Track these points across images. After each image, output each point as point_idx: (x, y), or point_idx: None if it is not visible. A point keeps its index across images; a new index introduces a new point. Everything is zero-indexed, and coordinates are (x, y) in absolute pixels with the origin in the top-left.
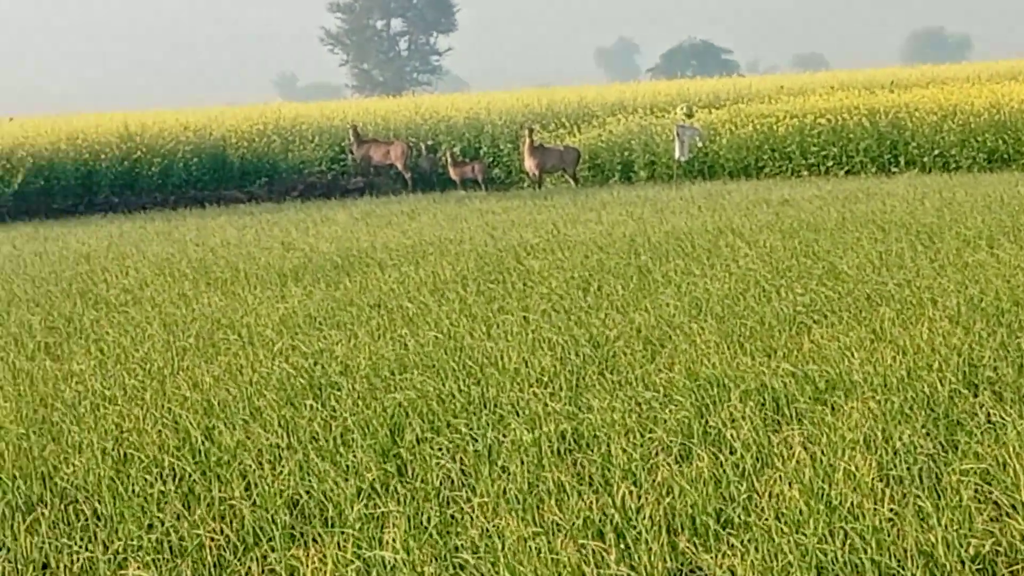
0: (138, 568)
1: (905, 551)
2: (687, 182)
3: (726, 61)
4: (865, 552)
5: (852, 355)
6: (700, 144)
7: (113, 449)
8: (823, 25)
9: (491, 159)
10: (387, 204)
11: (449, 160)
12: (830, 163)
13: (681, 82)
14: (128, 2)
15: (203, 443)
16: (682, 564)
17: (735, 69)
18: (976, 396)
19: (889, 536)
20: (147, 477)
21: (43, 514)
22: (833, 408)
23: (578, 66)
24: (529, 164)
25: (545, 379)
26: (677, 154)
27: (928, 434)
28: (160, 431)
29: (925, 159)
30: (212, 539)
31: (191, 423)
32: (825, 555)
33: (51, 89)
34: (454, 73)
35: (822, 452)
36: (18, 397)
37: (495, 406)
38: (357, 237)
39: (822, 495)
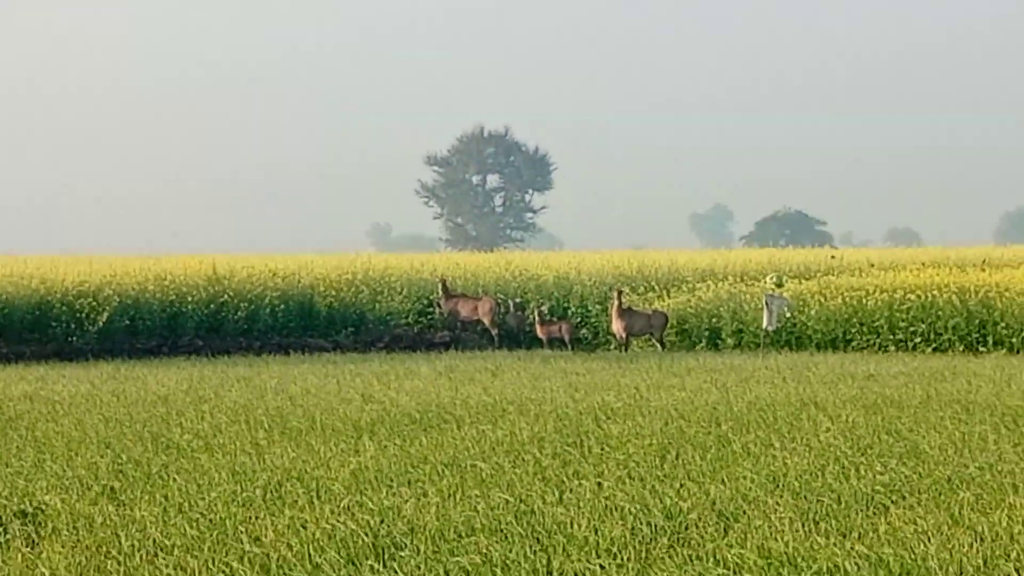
0: None
1: None
2: (774, 352)
3: (820, 232)
4: None
5: (929, 540)
6: (788, 314)
7: None
8: (918, 201)
9: (579, 319)
10: (471, 360)
11: (537, 318)
12: (918, 339)
13: (772, 251)
14: (229, 148)
15: None
16: None
17: (828, 240)
18: None
19: None
20: None
21: None
22: None
23: (672, 230)
24: (617, 326)
25: (614, 549)
26: (765, 323)
27: None
28: None
29: (1014, 339)
30: None
31: None
32: None
33: (142, 230)
34: (548, 231)
35: None
36: (75, 543)
37: (561, 575)
38: (438, 392)
39: None
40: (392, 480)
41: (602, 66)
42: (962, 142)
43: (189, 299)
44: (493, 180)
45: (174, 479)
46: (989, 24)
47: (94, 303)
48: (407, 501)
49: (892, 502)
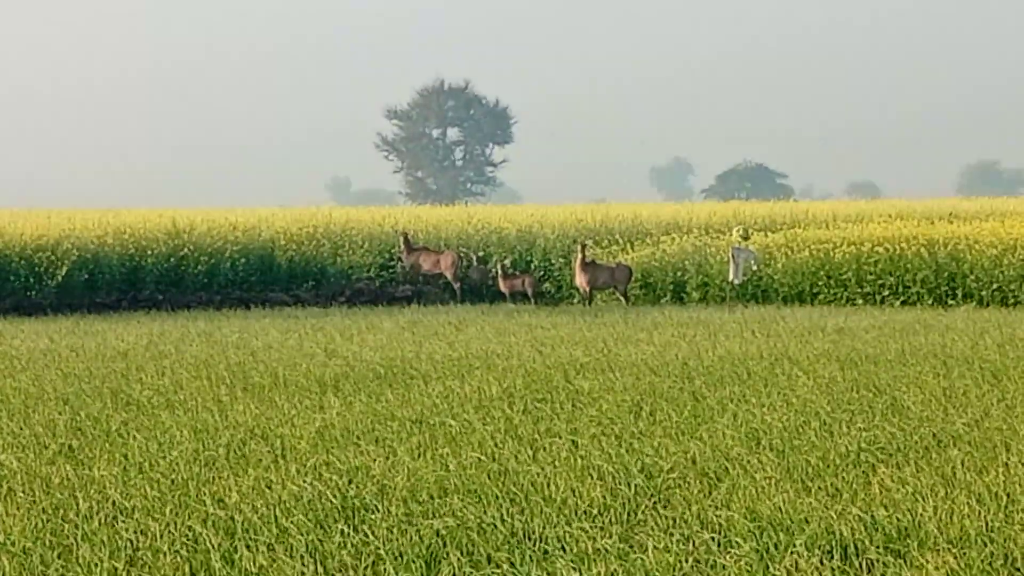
0: None
1: None
2: (740, 305)
3: (781, 185)
4: None
5: (924, 501)
6: (755, 267)
7: (124, 570)
8: (878, 155)
9: (542, 273)
10: (434, 314)
11: (499, 272)
12: (886, 292)
13: (736, 204)
14: (184, 101)
15: (222, 568)
16: None
17: (789, 193)
18: None
19: None
20: None
21: None
22: (907, 561)
23: (632, 184)
24: (580, 280)
25: (594, 512)
26: (731, 276)
27: None
28: (177, 552)
29: (983, 292)
30: None
31: (211, 544)
32: None
33: (100, 183)
34: (508, 185)
35: None
36: (31, 505)
37: (540, 540)
38: (402, 347)
39: None
40: (359, 438)
41: (563, 19)
42: (923, 95)
43: (149, 253)
44: (453, 134)
45: (134, 437)
46: None
47: (53, 257)
48: (375, 460)
49: (880, 461)
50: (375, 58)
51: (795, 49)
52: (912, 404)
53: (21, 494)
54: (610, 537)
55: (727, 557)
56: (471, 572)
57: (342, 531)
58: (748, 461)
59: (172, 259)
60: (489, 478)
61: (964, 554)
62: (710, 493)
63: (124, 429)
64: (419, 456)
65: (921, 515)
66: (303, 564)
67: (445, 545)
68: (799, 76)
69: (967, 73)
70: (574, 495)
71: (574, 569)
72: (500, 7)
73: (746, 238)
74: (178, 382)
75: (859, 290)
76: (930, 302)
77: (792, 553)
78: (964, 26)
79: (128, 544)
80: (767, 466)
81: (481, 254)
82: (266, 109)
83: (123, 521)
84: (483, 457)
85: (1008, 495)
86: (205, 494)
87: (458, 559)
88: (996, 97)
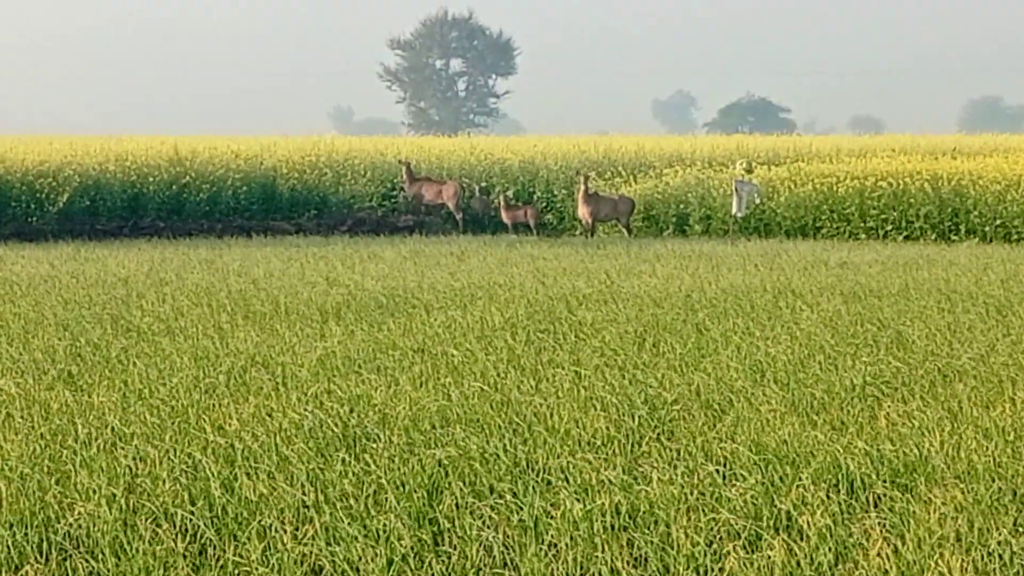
0: None
1: None
2: (743, 238)
3: (783, 120)
4: None
5: (930, 436)
6: (758, 201)
7: (122, 497)
8: (881, 90)
9: (544, 204)
10: (436, 244)
11: (502, 203)
12: (889, 227)
13: (740, 137)
14: (186, 31)
15: (222, 496)
16: None
17: (792, 128)
18: None
19: None
20: (156, 532)
21: (35, 570)
22: (914, 495)
23: (634, 117)
24: (583, 211)
25: (598, 443)
26: (734, 209)
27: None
28: (176, 479)
29: (987, 228)
30: None
31: (211, 472)
32: None
33: (104, 108)
34: (511, 116)
35: (908, 549)
36: (30, 431)
37: (543, 471)
38: (404, 277)
39: None
40: (360, 367)
41: None
42: (926, 31)
43: (150, 180)
44: (456, 64)
45: (134, 364)
46: None
47: (54, 183)
48: (377, 389)
49: (885, 395)
50: None
51: None
52: (917, 338)
53: (20, 419)
54: (614, 469)
55: (732, 490)
56: (473, 503)
57: (343, 460)
58: (752, 394)
59: (174, 186)
60: (491, 408)
61: (971, 489)
62: (714, 425)
63: (124, 355)
64: (421, 385)
65: (928, 450)
66: (304, 492)
67: (447, 475)
68: (802, 11)
69: (970, 9)
70: (577, 426)
71: (578, 500)
72: None
73: (749, 171)
74: (179, 309)
75: (862, 224)
76: (933, 237)
77: (798, 486)
78: None
79: (127, 471)
80: (772, 399)
81: (483, 185)
82: (269, 39)
83: (122, 447)
84: (485, 387)
85: (1015, 430)
86: (205, 421)
87: (460, 489)
88: (1000, 33)
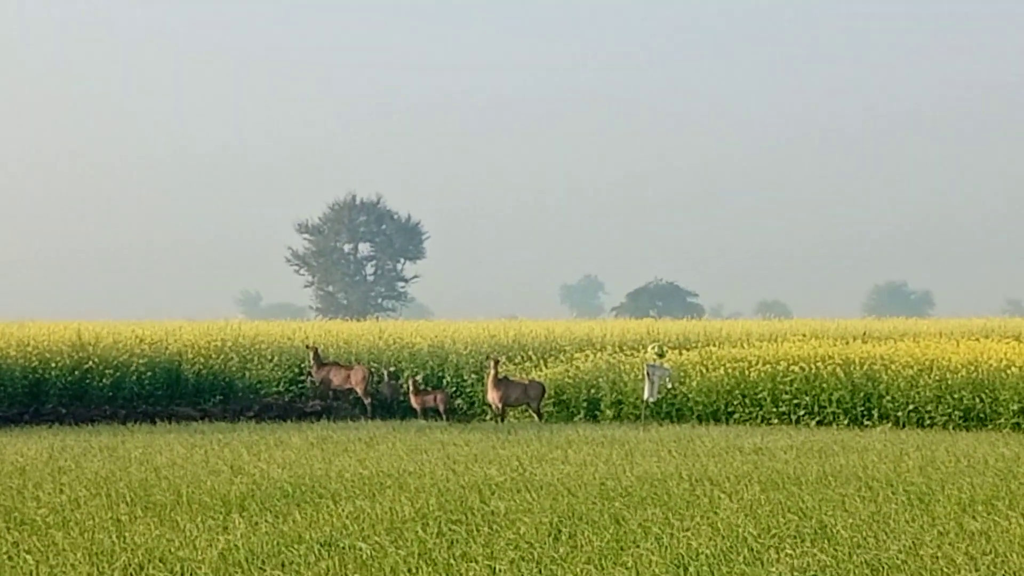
0: None
1: None
2: (655, 423)
3: (692, 304)
4: None
5: None
6: (670, 385)
7: None
8: (787, 275)
9: (454, 389)
10: (345, 430)
11: (411, 388)
12: (802, 412)
13: (650, 321)
14: (95, 211)
15: None
16: None
17: (700, 312)
18: None
19: None
20: None
21: None
22: None
23: (543, 301)
24: (492, 396)
25: None
26: (646, 394)
27: None
28: None
29: (899, 413)
30: None
31: None
32: None
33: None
34: (419, 301)
35: None
36: None
37: None
38: (311, 464)
39: None
40: (264, 563)
41: (476, 135)
42: (830, 217)
43: (52, 365)
44: (365, 249)
45: (25, 559)
46: (856, 108)
47: None
48: None
49: None
50: (286, 172)
51: (705, 172)
52: (841, 529)
53: None
54: None
55: None
56: None
57: None
58: None
59: (76, 372)
60: None
61: None
62: None
63: (15, 550)
64: None
65: None
66: None
67: None
68: (708, 196)
69: (874, 195)
70: None
71: None
72: (413, 123)
73: (661, 356)
74: (76, 499)
75: (774, 409)
76: (846, 422)
77: None
78: (870, 147)
79: None
80: None
81: (392, 369)
82: (177, 222)
83: None
84: None
85: None
86: None
87: None
88: (903, 219)
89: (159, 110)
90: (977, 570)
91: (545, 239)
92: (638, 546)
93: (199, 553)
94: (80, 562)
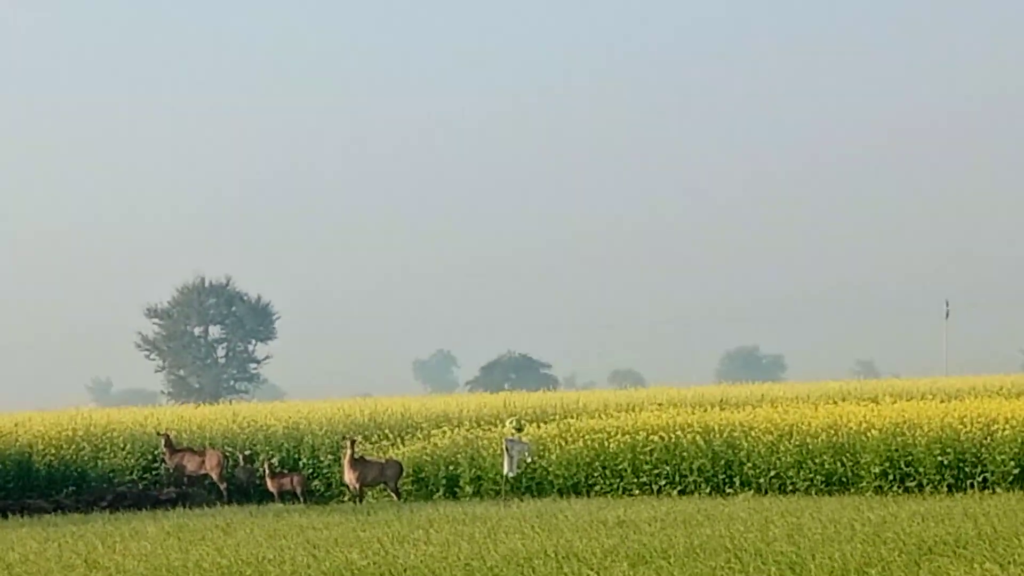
0: None
1: None
2: (516, 499)
3: (545, 375)
4: None
5: None
6: (529, 459)
7: None
8: (638, 343)
9: (311, 471)
10: (201, 517)
11: (267, 471)
12: (663, 482)
13: (506, 395)
14: None
15: None
16: None
17: (555, 383)
18: None
19: None
20: None
21: None
22: None
23: (396, 377)
24: (349, 477)
25: None
26: (506, 469)
27: None
28: None
29: (761, 480)
30: None
31: None
32: None
33: None
34: (271, 382)
35: None
36: None
37: None
38: (168, 555)
39: None
40: None
41: (323, 216)
42: (680, 283)
43: None
44: (215, 331)
45: None
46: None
47: None
48: None
49: None
50: (133, 255)
51: (553, 244)
52: None
53: None
54: None
55: None
56: None
57: None
58: None
59: None
60: None
61: None
62: None
63: None
64: None
65: None
66: None
67: None
68: (558, 271)
69: (723, 261)
70: None
71: None
72: (260, 204)
73: (519, 430)
74: None
75: (635, 480)
76: (707, 491)
77: None
78: (717, 223)
79: None
80: None
81: (247, 453)
82: (22, 308)
83: None
84: None
85: None
86: None
87: None
88: (754, 284)
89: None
90: None
91: (396, 315)
92: None
93: None
94: None
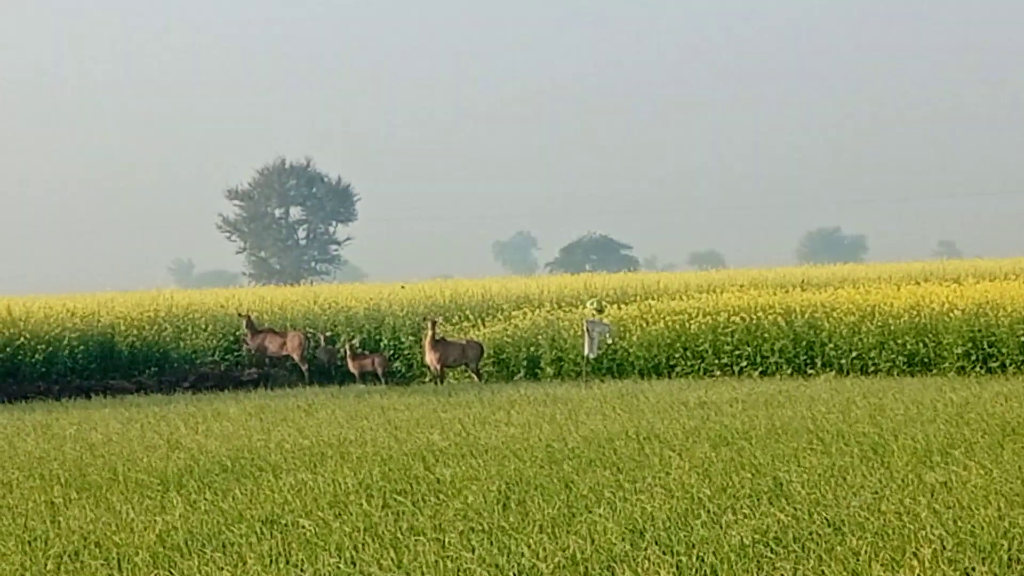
0: None
1: None
2: (596, 380)
3: (626, 256)
4: None
5: None
6: (610, 341)
7: None
8: (719, 224)
9: (392, 352)
10: (282, 398)
11: (348, 352)
12: (744, 363)
13: (586, 276)
14: (20, 182)
15: None
16: None
17: (635, 265)
18: None
19: None
20: None
21: None
22: None
23: (476, 259)
24: (431, 358)
25: None
26: (586, 350)
27: None
28: None
29: (843, 361)
30: None
31: None
32: None
33: None
34: (352, 263)
35: None
36: None
37: None
38: (250, 435)
39: None
40: (204, 545)
41: (399, 98)
42: (762, 163)
43: None
44: (296, 212)
45: None
46: (786, 44)
47: None
48: (223, 570)
49: (775, 554)
50: (215, 138)
51: (628, 119)
52: (798, 486)
53: None
54: None
55: None
56: None
57: None
58: (635, 558)
59: (7, 348)
60: None
61: None
62: None
63: None
64: (271, 563)
65: None
66: None
67: None
68: (638, 143)
69: (806, 136)
70: None
71: None
72: (339, 84)
73: (600, 311)
74: (8, 483)
75: (716, 361)
76: (789, 372)
77: None
78: (802, 92)
79: None
80: (656, 564)
81: (328, 334)
82: (106, 192)
83: None
84: (342, 564)
85: None
86: None
87: None
88: (834, 163)
89: (85, 68)
90: (942, 525)
91: (476, 196)
92: (591, 512)
93: (136, 537)
94: (12, 551)
